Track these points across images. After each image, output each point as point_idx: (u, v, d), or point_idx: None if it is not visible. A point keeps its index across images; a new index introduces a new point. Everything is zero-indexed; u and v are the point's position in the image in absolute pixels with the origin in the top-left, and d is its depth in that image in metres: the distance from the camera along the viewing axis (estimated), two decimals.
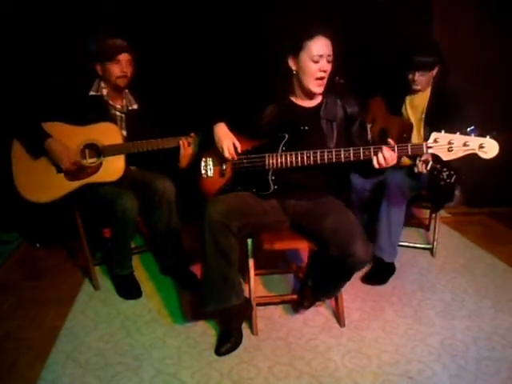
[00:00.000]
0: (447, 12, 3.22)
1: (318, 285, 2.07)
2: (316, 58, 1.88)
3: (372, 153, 1.80)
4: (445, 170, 2.10)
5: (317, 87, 1.93)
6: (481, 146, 1.71)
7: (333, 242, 1.79)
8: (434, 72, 2.52)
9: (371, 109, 2.74)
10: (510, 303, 2.32)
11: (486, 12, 3.25)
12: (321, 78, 1.91)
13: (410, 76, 2.52)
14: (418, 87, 2.54)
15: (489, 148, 1.71)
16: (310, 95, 2.00)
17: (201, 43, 3.03)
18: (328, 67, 1.91)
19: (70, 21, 2.81)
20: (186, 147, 2.31)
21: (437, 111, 2.48)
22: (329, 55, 1.89)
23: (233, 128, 2.04)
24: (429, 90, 2.58)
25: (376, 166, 1.80)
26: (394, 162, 1.80)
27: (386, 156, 1.78)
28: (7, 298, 2.40)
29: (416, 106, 2.62)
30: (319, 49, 1.87)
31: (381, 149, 1.78)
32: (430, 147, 1.75)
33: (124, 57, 2.31)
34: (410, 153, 1.79)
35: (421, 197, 2.68)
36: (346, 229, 1.81)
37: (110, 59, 2.29)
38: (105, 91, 2.38)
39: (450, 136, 1.73)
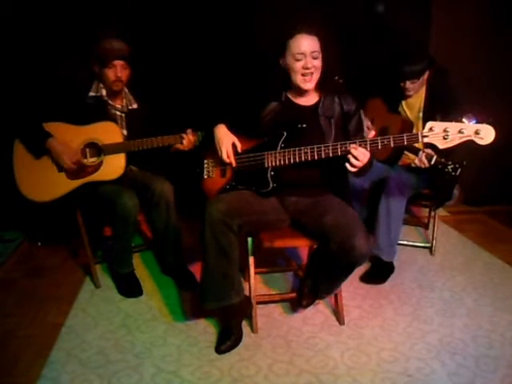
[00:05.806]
0: (446, 12, 3.22)
1: (317, 282, 2.07)
2: (298, 57, 1.89)
3: (368, 146, 1.79)
4: (449, 163, 2.11)
5: (304, 83, 1.94)
6: (476, 132, 1.67)
7: (333, 236, 1.79)
8: (425, 77, 2.58)
9: (370, 109, 2.78)
10: (508, 301, 2.34)
11: (485, 12, 3.25)
12: (306, 74, 1.91)
13: (402, 84, 2.58)
14: (411, 93, 2.61)
15: (485, 134, 1.67)
16: (302, 92, 2.00)
17: (200, 43, 3.03)
18: (314, 63, 1.90)
19: (71, 22, 2.81)
20: (191, 136, 2.34)
21: (434, 108, 2.50)
22: (313, 52, 1.88)
23: (233, 128, 2.04)
24: (423, 90, 2.62)
25: (351, 169, 1.79)
26: (367, 157, 1.78)
27: (355, 154, 1.77)
28: (9, 295, 2.41)
29: (412, 105, 2.66)
30: (300, 46, 1.88)
31: (348, 148, 1.77)
32: (426, 136, 1.72)
33: (119, 62, 2.30)
34: (405, 143, 1.76)
35: (420, 195, 2.69)
36: (346, 223, 1.81)
37: (105, 65, 2.29)
38: (104, 92, 2.38)
39: (445, 124, 1.70)
